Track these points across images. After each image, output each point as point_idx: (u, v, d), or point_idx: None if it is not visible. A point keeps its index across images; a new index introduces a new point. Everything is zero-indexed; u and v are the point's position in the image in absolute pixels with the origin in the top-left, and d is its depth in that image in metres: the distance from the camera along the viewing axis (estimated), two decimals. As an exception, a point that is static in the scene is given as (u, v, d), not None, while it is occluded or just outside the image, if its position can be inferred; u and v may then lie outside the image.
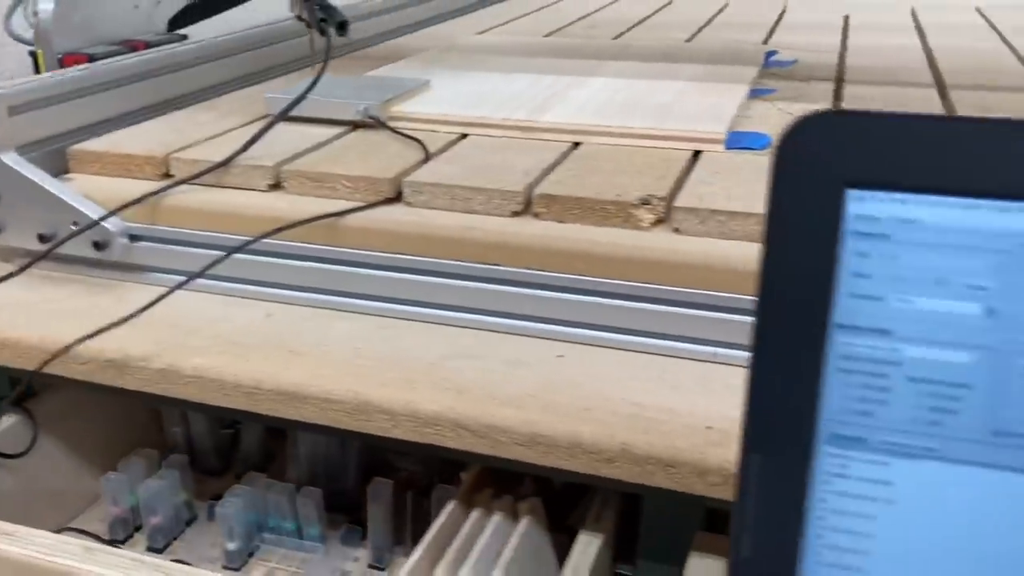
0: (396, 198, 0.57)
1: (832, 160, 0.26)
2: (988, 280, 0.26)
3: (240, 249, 0.53)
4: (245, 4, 0.92)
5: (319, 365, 0.50)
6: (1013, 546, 0.27)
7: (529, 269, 0.52)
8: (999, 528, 0.27)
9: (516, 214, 0.54)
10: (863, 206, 0.26)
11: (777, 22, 1.24)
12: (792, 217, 0.27)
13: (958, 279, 0.26)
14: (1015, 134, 0.25)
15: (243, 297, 0.58)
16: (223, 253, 0.53)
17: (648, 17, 1.30)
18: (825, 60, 0.94)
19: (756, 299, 0.28)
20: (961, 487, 0.27)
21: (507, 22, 1.26)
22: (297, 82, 0.74)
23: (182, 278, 0.57)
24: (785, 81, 0.85)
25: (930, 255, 0.26)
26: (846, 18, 1.25)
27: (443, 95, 0.73)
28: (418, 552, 0.50)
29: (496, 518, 0.52)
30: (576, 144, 0.63)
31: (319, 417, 0.48)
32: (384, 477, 0.66)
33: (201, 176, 0.59)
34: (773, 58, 0.90)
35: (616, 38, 1.11)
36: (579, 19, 1.28)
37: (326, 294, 0.56)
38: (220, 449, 0.74)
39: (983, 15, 1.25)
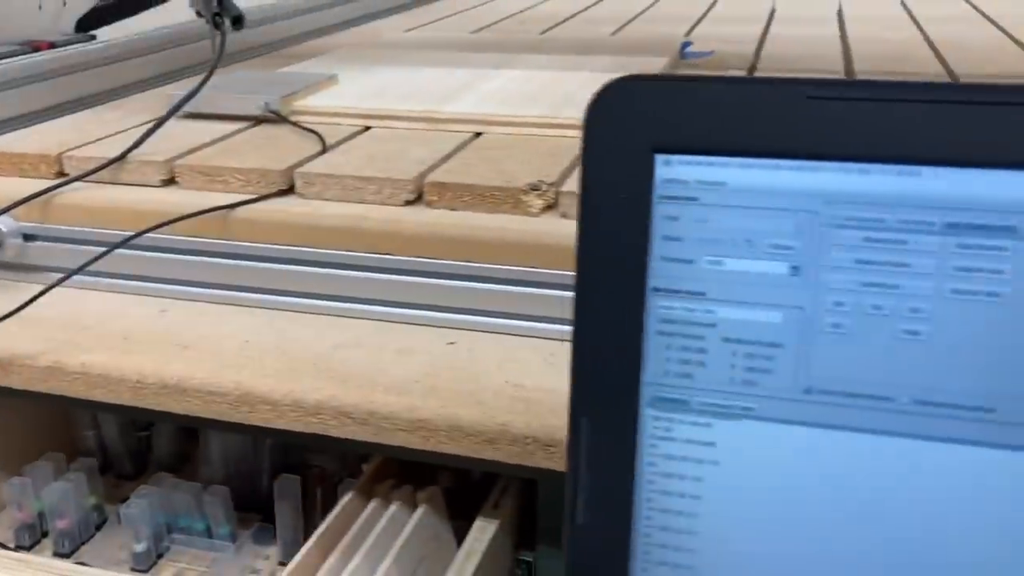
0: (289, 190, 0.56)
1: (639, 125, 0.27)
2: (792, 240, 0.26)
3: (122, 244, 0.52)
4: (162, 6, 0.91)
5: (205, 358, 0.50)
6: (830, 501, 0.27)
7: (420, 257, 0.52)
8: (816, 484, 0.27)
9: (409, 203, 0.54)
10: (671, 170, 0.27)
11: (704, 15, 1.25)
12: (604, 184, 0.27)
13: (764, 240, 0.26)
14: (812, 93, 0.26)
15: (140, 294, 0.58)
16: (105, 249, 0.52)
17: (579, 12, 1.30)
18: (742, 50, 0.95)
19: (576, 265, 0.28)
20: (778, 445, 0.27)
21: (439, 19, 1.27)
22: (214, 81, 0.73)
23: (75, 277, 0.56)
24: (698, 72, 0.86)
25: (737, 217, 0.26)
26: (772, 11, 1.26)
27: (350, 89, 0.72)
28: (310, 542, 0.50)
29: (393, 508, 0.52)
30: (478, 134, 0.64)
31: (203, 410, 0.48)
32: (298, 474, 0.66)
33: (94, 173, 0.58)
34: (689, 49, 0.91)
35: (543, 33, 1.12)
36: (511, 16, 1.28)
37: (220, 289, 0.56)
38: (134, 452, 0.73)
39: (905, 7, 1.27)
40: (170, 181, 0.59)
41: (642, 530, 0.29)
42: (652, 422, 0.28)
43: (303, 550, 0.49)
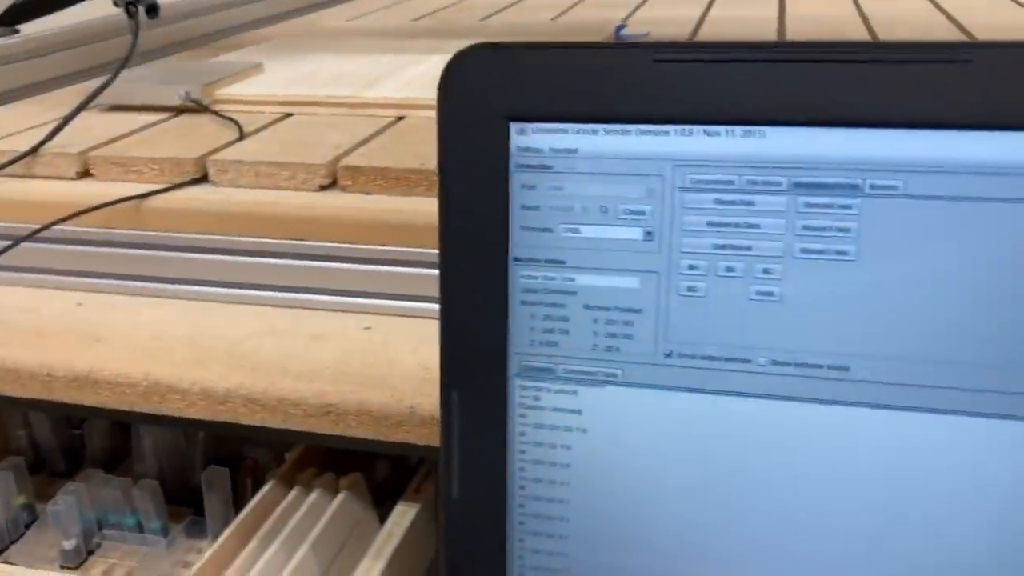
0: (203, 179, 0.56)
1: (492, 94, 0.26)
2: (644, 205, 0.26)
3: (29, 238, 0.52)
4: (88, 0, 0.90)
5: (117, 350, 0.49)
6: (695, 465, 0.27)
7: (334, 243, 0.51)
8: (680, 448, 0.27)
9: (323, 188, 0.54)
10: (525, 138, 0.27)
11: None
12: (461, 154, 0.27)
13: (618, 206, 0.26)
14: (657, 56, 0.26)
15: (56, 288, 0.57)
16: (9, 243, 0.51)
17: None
18: (678, 32, 0.95)
19: (438, 238, 0.28)
20: (642, 410, 0.27)
21: (384, 8, 1.26)
22: (138, 72, 0.72)
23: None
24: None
25: (590, 184, 0.26)
26: (717, -8, 1.27)
27: (275, 77, 0.72)
28: (228, 530, 0.49)
29: (313, 495, 0.52)
30: (400, 118, 0.63)
31: (115, 401, 0.48)
32: (233, 466, 0.65)
33: (7, 167, 0.57)
34: (623, 31, 0.91)
35: (483, 20, 1.11)
36: (455, 3, 1.28)
37: (135, 280, 0.55)
38: (67, 449, 0.72)
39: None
40: (85, 173, 0.58)
41: (516, 501, 0.29)
42: (520, 392, 0.28)
43: (220, 539, 0.49)
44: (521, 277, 0.27)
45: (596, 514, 0.28)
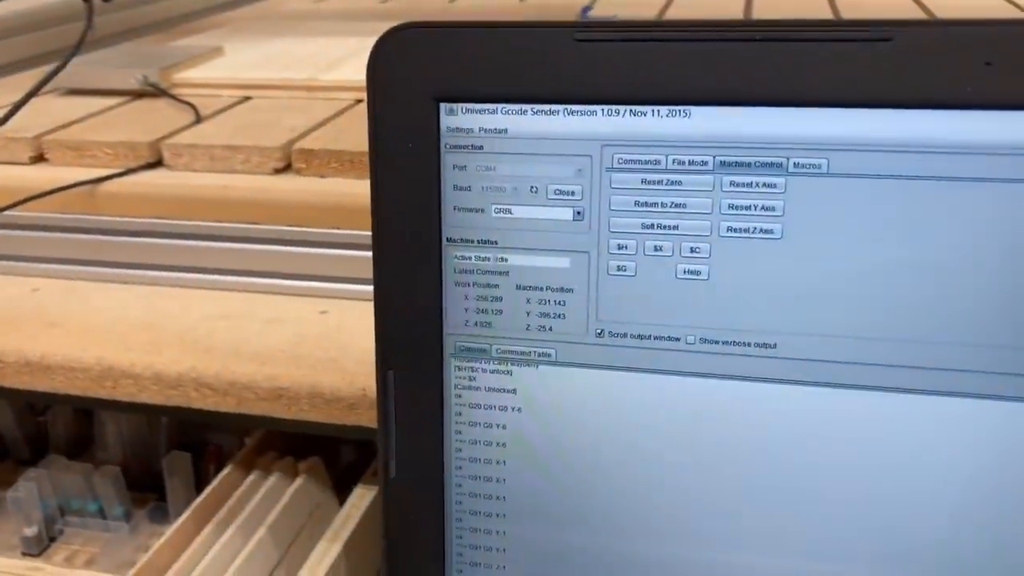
0: (158, 163, 0.55)
1: (421, 74, 0.26)
2: (574, 185, 0.26)
3: (-22, 222, 0.51)
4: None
5: (71, 336, 0.49)
6: (628, 443, 0.27)
7: (289, 226, 0.51)
8: (613, 426, 0.27)
9: (278, 171, 0.54)
10: (455, 119, 0.27)
11: (618, -19, 1.25)
12: (393, 135, 0.27)
13: (548, 186, 0.26)
14: (579, 36, 0.25)
15: (12, 274, 0.56)
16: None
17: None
18: (644, 14, 0.95)
19: (372, 219, 0.28)
20: (575, 389, 0.28)
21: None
22: (97, 57, 0.72)
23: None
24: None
25: (520, 164, 0.26)
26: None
27: (234, 60, 0.71)
28: (185, 515, 0.49)
29: (272, 479, 0.52)
30: (359, 101, 0.63)
31: (68, 387, 0.47)
32: (197, 452, 0.65)
33: (-41, 152, 0.57)
34: (588, 13, 0.91)
35: (452, 1, 1.10)
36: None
37: (92, 265, 0.55)
38: (31, 437, 0.72)
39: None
40: (39, 158, 0.57)
41: (454, 481, 0.29)
42: (456, 372, 0.28)
43: (176, 523, 0.49)
44: (454, 257, 0.27)
45: (533, 492, 0.29)
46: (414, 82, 0.26)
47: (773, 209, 0.25)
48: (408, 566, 0.30)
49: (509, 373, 0.28)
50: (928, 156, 0.24)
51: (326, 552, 0.48)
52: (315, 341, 0.48)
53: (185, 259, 0.53)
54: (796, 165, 0.25)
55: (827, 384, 0.26)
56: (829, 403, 0.26)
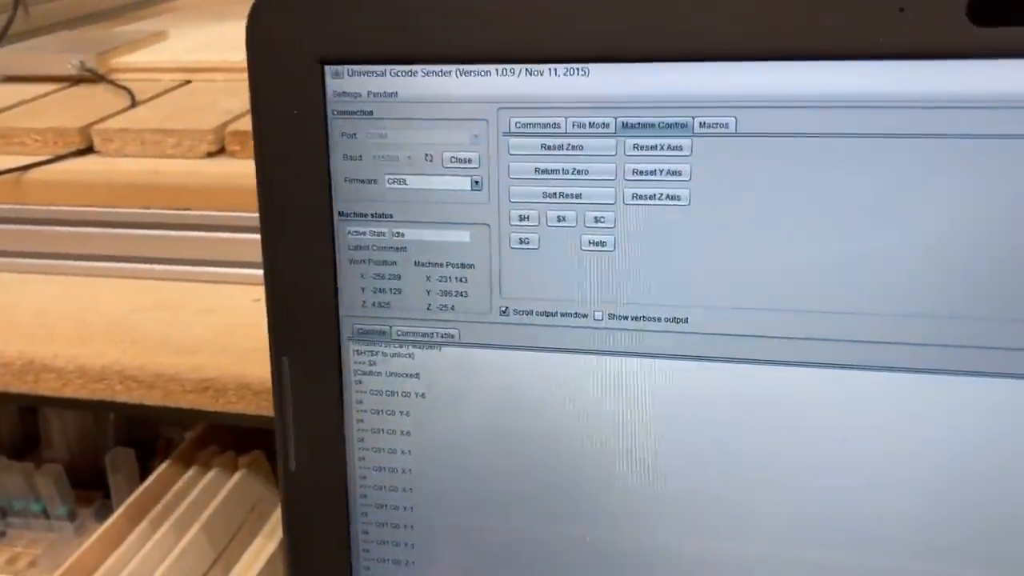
0: (89, 149, 0.53)
1: (304, 34, 0.25)
2: (470, 151, 0.24)
3: None
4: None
5: (-7, 329, 0.47)
6: (539, 428, 0.26)
7: (220, 211, 0.49)
8: (523, 411, 0.26)
9: (211, 155, 0.51)
10: (342, 82, 0.25)
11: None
12: (276, 101, 0.25)
13: (443, 153, 0.25)
14: (477, -7, 0.24)
15: (-61, 268, 0.54)
16: None
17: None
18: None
19: (258, 194, 0.26)
20: (481, 372, 0.26)
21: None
22: (35, 43, 0.70)
23: None
24: None
25: (414, 130, 0.25)
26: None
27: (177, 44, 0.69)
28: (117, 513, 0.48)
29: (211, 475, 0.50)
30: (303, 84, 0.61)
31: (-11, 382, 0.45)
32: (145, 447, 0.64)
33: None
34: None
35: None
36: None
37: (18, 256, 0.52)
38: (-24, 436, 0.70)
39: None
40: (-34, 147, 0.56)
41: (357, 472, 0.27)
42: (355, 356, 0.27)
43: (108, 521, 0.47)
44: (348, 233, 0.26)
45: (441, 482, 0.27)
46: (296, 43, 0.25)
47: (679, 174, 0.23)
48: (312, 563, 0.28)
49: (411, 356, 0.26)
50: (841, 111, 0.22)
51: (262, 549, 0.47)
52: (245, 330, 0.46)
53: (115, 248, 0.51)
54: (702, 125, 0.23)
55: (743, 360, 0.24)
56: (743, 379, 0.24)
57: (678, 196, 0.23)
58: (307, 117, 0.25)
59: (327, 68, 0.25)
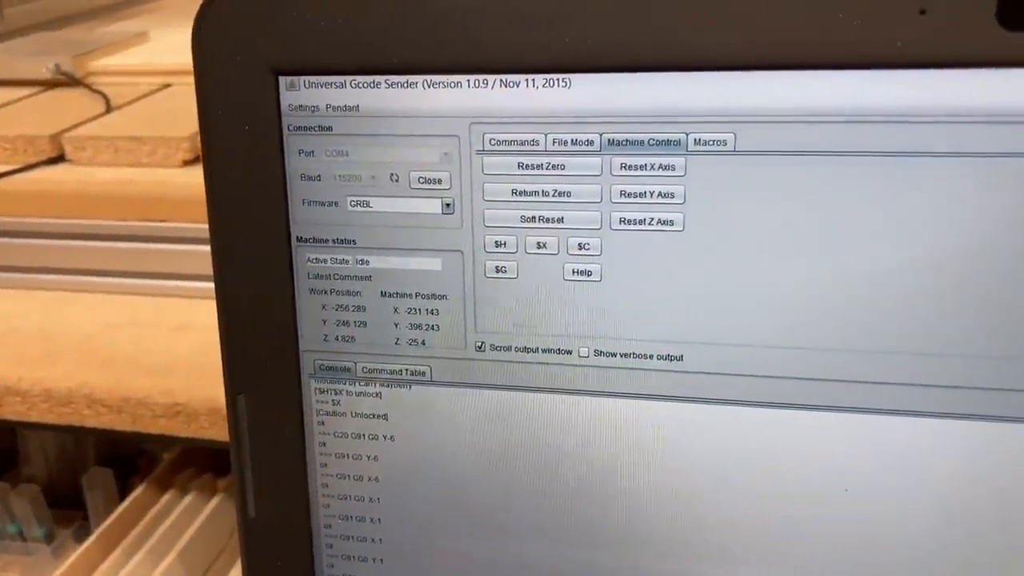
0: (60, 157, 0.51)
1: (255, 41, 0.22)
2: (440, 171, 0.22)
3: None
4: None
5: (-43, 348, 0.45)
6: (518, 471, 0.23)
7: (197, 223, 0.47)
8: (501, 456, 0.23)
9: (187, 163, 0.49)
10: (297, 95, 0.22)
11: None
12: (225, 116, 0.23)
13: (410, 173, 0.22)
14: (447, -5, 0.21)
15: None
16: None
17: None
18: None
19: (208, 218, 0.24)
20: (455, 413, 0.23)
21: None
22: (11, 45, 0.67)
23: None
24: None
25: (377, 148, 0.22)
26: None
27: (158, 46, 0.67)
28: (90, 540, 0.45)
29: (189, 498, 0.48)
30: (287, 87, 0.59)
31: (-49, 406, 0.43)
32: (128, 466, 0.61)
33: None
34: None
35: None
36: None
37: (-12, 270, 0.50)
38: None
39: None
40: (-68, 155, 0.53)
41: (322, 520, 0.25)
42: (317, 396, 0.24)
43: (80, 549, 0.45)
44: (307, 260, 0.23)
45: (413, 534, 0.25)
46: (246, 51, 0.22)
47: (672, 195, 0.21)
48: (274, 619, 0.26)
49: (378, 395, 0.24)
50: (854, 127, 0.20)
51: (240, 579, 0.44)
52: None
53: (86, 261, 0.49)
54: (697, 142, 0.20)
55: (741, 403, 0.22)
56: (742, 422, 0.22)
57: (671, 220, 0.21)
58: (260, 133, 0.22)
59: (281, 79, 0.22)
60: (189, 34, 0.74)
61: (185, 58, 0.68)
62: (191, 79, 0.66)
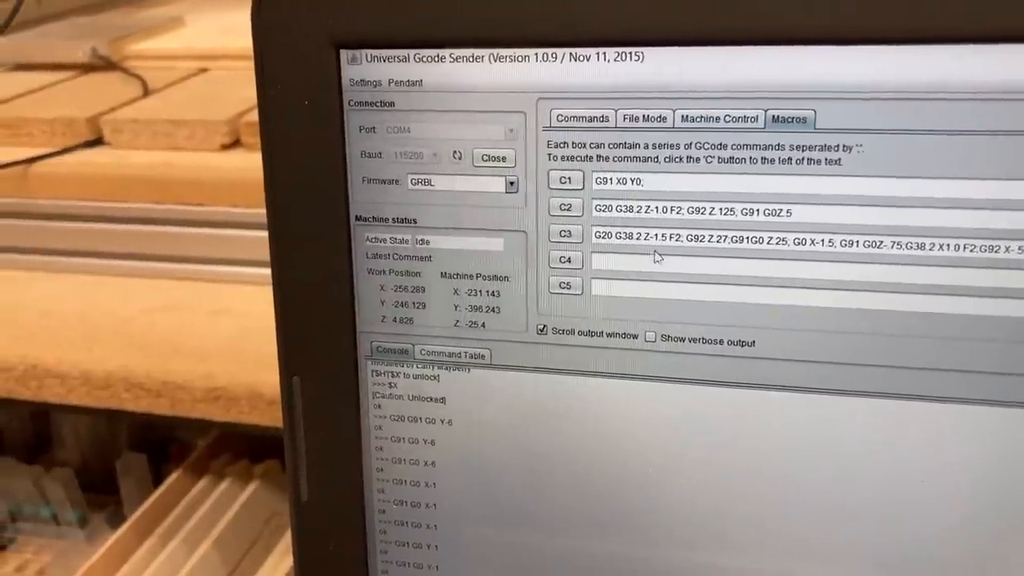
0: (99, 140, 0.51)
1: (317, 15, 0.22)
2: (505, 149, 0.21)
3: None
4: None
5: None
6: (578, 458, 0.23)
7: (236, 208, 0.46)
8: (561, 440, 0.23)
9: (225, 147, 0.49)
10: (359, 69, 0.22)
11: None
12: (285, 92, 0.22)
13: (474, 150, 0.22)
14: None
15: (-57, 264, 0.52)
16: None
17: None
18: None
19: (266, 197, 0.23)
20: (515, 397, 0.23)
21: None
22: (49, 29, 0.67)
23: None
24: None
25: (441, 124, 0.22)
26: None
27: (195, 31, 0.67)
28: (125, 526, 0.45)
29: (224, 484, 0.48)
30: (323, 72, 0.58)
31: (-10, 388, 0.43)
32: (160, 451, 0.61)
33: None
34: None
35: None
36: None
37: (24, 253, 0.50)
38: (-13, 437, 0.68)
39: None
40: (-28, 137, 0.53)
41: (376, 505, 0.25)
42: (373, 378, 0.24)
43: (115, 536, 0.45)
44: (366, 240, 0.23)
45: (469, 520, 0.24)
46: (308, 25, 0.22)
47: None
48: (325, 605, 0.25)
49: (436, 379, 0.23)
50: (938, 104, 0.19)
51: (277, 566, 0.44)
52: (260, 335, 0.43)
53: (124, 245, 0.48)
54: (775, 119, 0.20)
55: (814, 390, 0.21)
56: (813, 409, 0.21)
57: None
58: (320, 109, 0.22)
59: (342, 53, 0.22)
60: (225, 19, 0.74)
61: (221, 43, 0.68)
62: (228, 63, 0.66)
